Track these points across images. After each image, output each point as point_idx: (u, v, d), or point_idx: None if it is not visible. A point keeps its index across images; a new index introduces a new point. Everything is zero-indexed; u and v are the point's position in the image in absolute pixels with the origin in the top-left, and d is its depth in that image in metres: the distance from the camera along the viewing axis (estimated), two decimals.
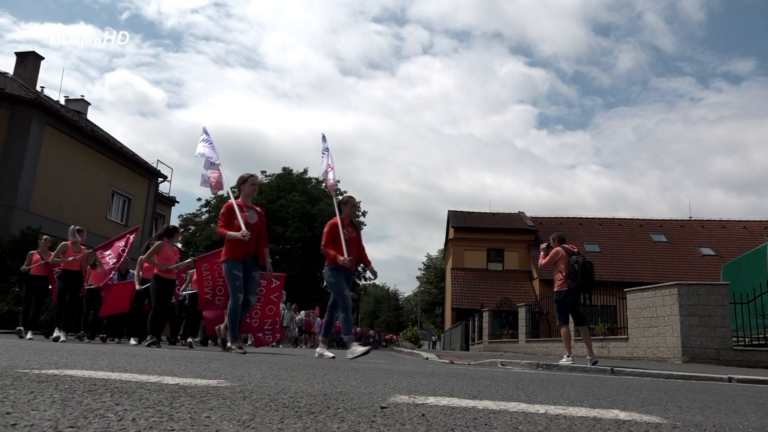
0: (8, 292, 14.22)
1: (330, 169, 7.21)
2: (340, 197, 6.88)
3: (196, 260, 8.23)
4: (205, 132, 7.28)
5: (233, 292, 5.79)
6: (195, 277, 9.25)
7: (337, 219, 6.41)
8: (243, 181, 6.16)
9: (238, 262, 5.84)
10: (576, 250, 7.46)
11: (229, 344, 5.89)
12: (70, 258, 8.39)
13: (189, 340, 9.26)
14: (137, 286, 8.80)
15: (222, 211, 6.01)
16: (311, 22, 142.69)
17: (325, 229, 6.40)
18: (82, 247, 8.69)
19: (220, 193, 6.90)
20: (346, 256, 6.16)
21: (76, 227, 8.81)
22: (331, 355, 6.29)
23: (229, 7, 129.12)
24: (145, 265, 8.67)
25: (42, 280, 9.50)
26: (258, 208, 6.27)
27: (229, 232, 5.82)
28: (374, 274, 6.65)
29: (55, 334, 8.11)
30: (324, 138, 7.52)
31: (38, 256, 9.56)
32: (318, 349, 6.42)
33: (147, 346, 7.28)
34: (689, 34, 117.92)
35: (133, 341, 8.73)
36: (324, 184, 6.95)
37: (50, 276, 9.33)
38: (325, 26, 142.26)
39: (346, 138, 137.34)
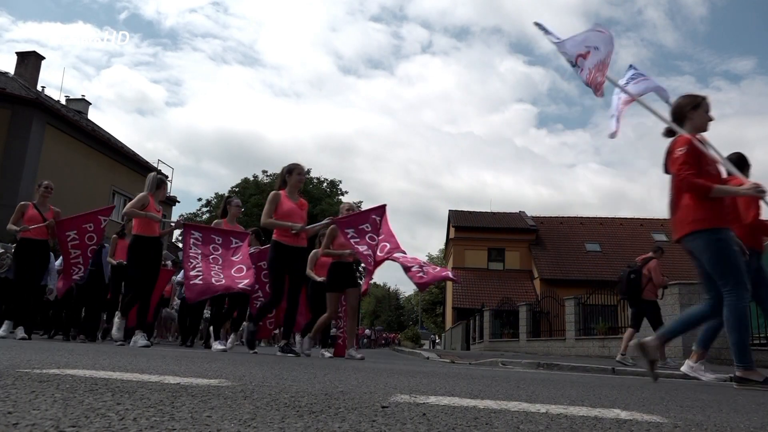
0: None
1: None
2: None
3: (336, 220, 5.91)
4: (540, 26, 4.74)
5: (742, 284, 3.52)
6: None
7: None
8: (695, 104, 3.85)
9: (732, 236, 3.65)
10: (637, 259, 8.08)
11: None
12: (146, 214, 5.79)
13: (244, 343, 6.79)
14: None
15: (684, 150, 3.60)
16: (309, 19, 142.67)
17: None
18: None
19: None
20: None
21: (158, 175, 6.30)
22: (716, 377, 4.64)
23: (228, 5, 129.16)
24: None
25: (40, 248, 6.49)
26: None
27: (726, 187, 3.66)
28: None
29: (139, 340, 5.60)
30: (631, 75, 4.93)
31: (34, 210, 6.48)
32: (692, 369, 4.63)
33: (281, 351, 5.54)
34: (691, 29, 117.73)
35: (218, 345, 6.12)
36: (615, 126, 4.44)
37: (62, 241, 6.66)
38: (323, 24, 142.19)
39: (345, 136, 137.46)
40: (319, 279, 6.74)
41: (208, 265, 5.97)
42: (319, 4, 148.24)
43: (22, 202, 6.67)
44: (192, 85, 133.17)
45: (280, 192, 5.61)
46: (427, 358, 10.84)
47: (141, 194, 5.95)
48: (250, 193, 36.16)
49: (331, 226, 6.04)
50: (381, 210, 6.10)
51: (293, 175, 5.70)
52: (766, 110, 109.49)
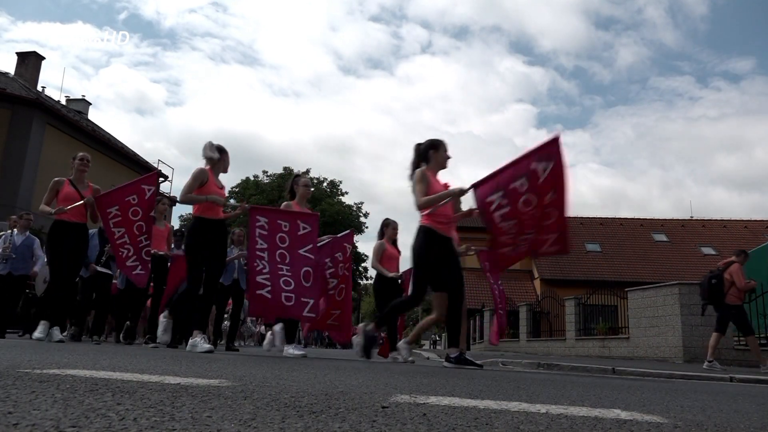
0: None
1: None
2: None
3: (478, 185, 4.45)
4: None
5: None
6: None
7: None
8: None
9: None
10: (719, 264, 8.14)
11: None
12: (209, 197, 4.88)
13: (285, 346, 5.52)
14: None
15: None
16: (309, 18, 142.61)
17: None
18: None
19: None
20: None
21: (214, 143, 5.14)
22: None
23: (227, 5, 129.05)
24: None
25: (75, 232, 5.51)
26: None
27: None
28: None
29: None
30: None
31: (70, 187, 5.58)
32: None
33: (455, 363, 4.53)
34: (691, 28, 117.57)
35: (293, 350, 5.36)
36: None
37: (104, 220, 5.63)
38: (323, 23, 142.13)
39: (345, 136, 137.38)
40: (390, 274, 6.11)
41: (275, 267, 4.99)
42: (318, 4, 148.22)
43: (56, 179, 5.66)
44: (191, 84, 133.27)
45: (425, 169, 4.53)
46: (428, 358, 10.83)
47: (197, 170, 4.94)
48: (250, 194, 36.11)
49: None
50: (552, 149, 3.90)
51: (439, 151, 4.68)
52: (766, 110, 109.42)
